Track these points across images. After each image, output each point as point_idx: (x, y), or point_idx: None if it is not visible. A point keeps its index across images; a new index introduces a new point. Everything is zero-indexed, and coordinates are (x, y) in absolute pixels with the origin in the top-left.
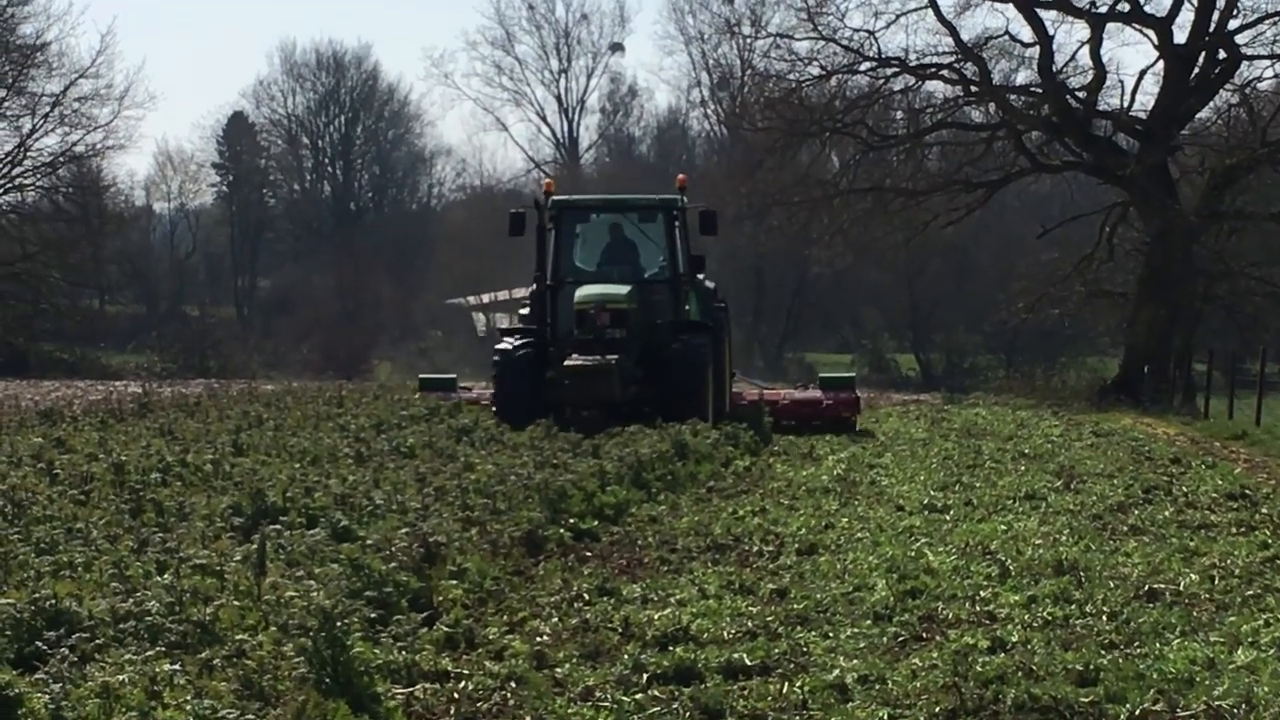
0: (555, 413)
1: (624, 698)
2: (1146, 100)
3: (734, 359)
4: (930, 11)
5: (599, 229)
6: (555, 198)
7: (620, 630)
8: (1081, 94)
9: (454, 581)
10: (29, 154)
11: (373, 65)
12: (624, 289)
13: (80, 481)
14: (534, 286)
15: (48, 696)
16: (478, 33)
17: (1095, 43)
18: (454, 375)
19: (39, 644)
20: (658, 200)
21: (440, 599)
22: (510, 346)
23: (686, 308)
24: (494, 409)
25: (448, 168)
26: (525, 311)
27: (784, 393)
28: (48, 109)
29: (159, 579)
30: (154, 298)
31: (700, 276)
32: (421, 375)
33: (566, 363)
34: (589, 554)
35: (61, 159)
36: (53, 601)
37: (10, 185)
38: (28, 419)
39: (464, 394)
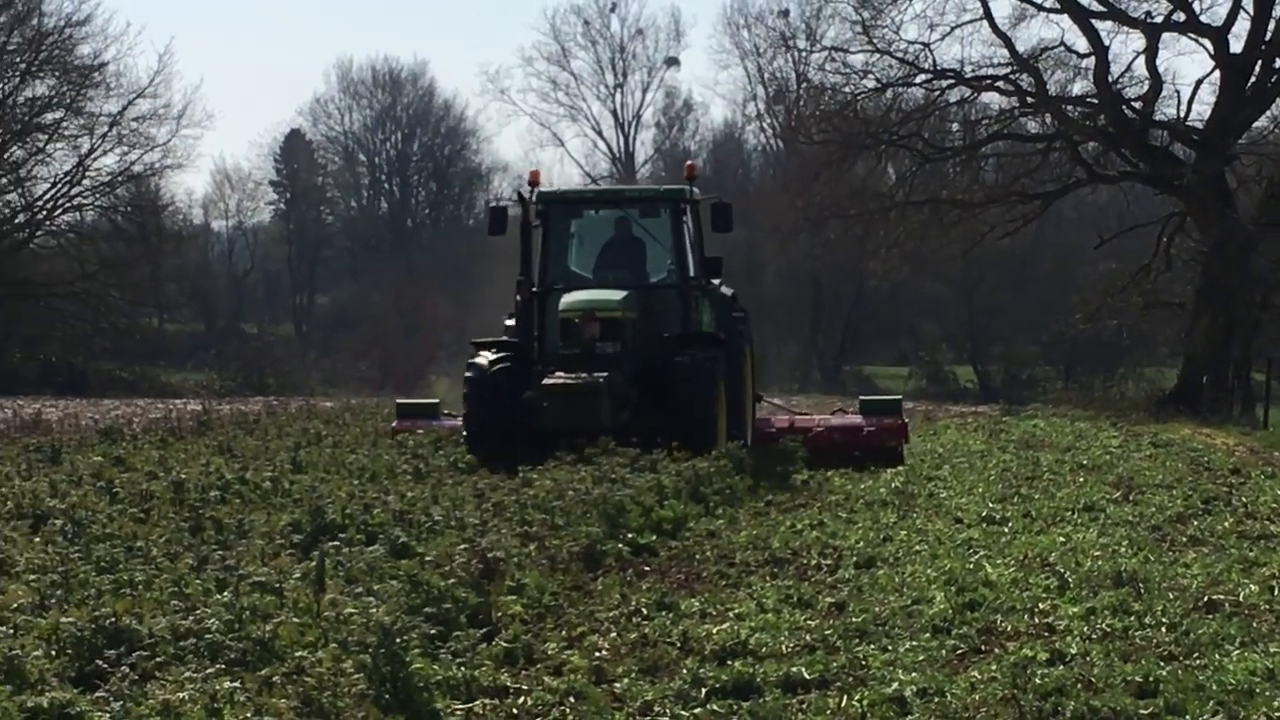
0: (534, 441)
1: (683, 712)
2: (1203, 110)
3: (781, 375)
4: (985, 23)
5: (598, 227)
6: (542, 190)
7: (679, 645)
8: (1137, 104)
9: (513, 597)
10: (87, 174)
11: (429, 82)
12: (617, 295)
13: (140, 500)
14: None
15: (109, 715)
16: (533, 48)
17: (1151, 53)
18: (437, 400)
19: (100, 662)
20: (661, 191)
21: (499, 615)
22: (485, 362)
23: (699, 318)
24: (463, 435)
25: (504, 183)
26: (510, 322)
27: (818, 419)
28: (106, 129)
29: (218, 596)
30: (212, 316)
31: (716, 282)
32: (400, 400)
33: (546, 381)
34: (647, 569)
35: (120, 178)
36: (113, 620)
37: (69, 205)
38: (88, 438)
39: (448, 421)
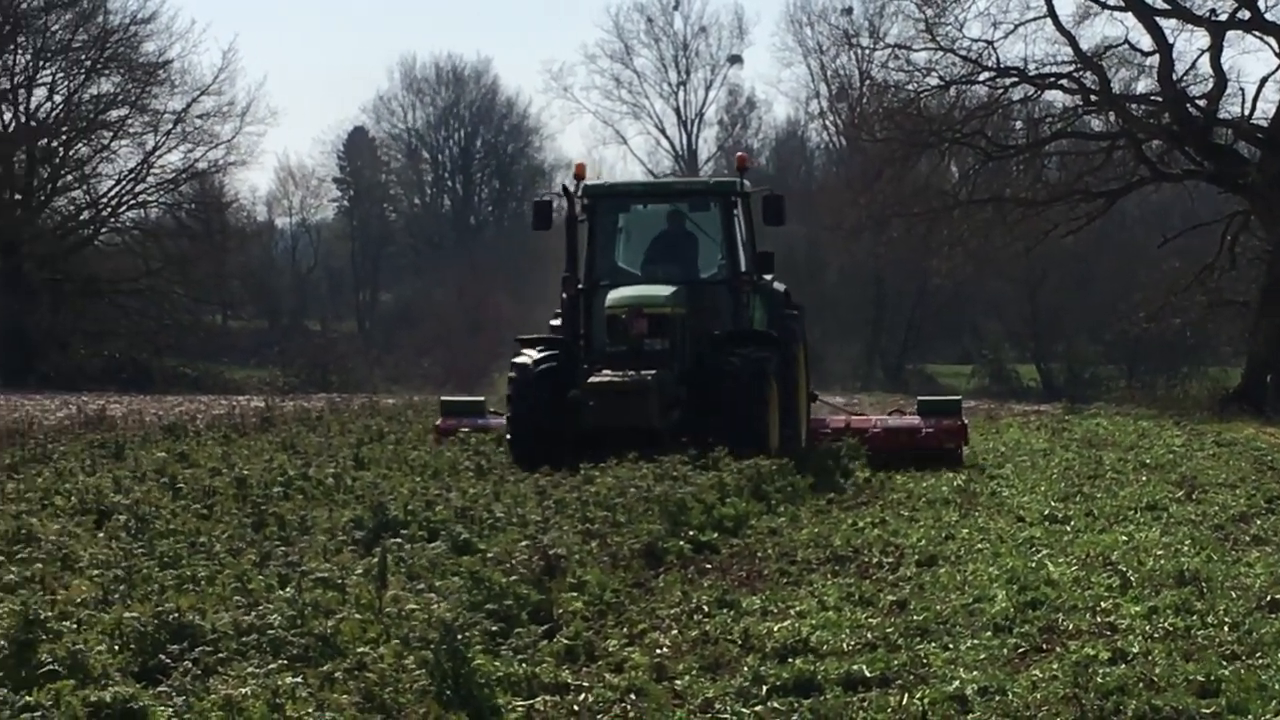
0: (580, 442)
1: (744, 710)
2: (1268, 108)
3: (843, 373)
4: (1049, 21)
5: (648, 221)
6: (588, 183)
7: (740, 642)
8: (1202, 102)
9: (574, 594)
10: (152, 171)
11: (492, 79)
12: (666, 290)
13: (203, 496)
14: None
15: (171, 709)
16: (596, 46)
17: (1215, 51)
18: (482, 398)
19: (163, 657)
20: (712, 184)
21: (560, 611)
22: (529, 360)
23: (751, 315)
24: (507, 437)
25: (568, 181)
26: (557, 321)
27: (874, 420)
28: (170, 126)
29: (281, 592)
30: (276, 312)
31: (769, 278)
32: (445, 398)
33: (592, 379)
34: (709, 566)
35: (184, 175)
36: (176, 615)
37: (134, 202)
38: (152, 434)
39: (494, 420)
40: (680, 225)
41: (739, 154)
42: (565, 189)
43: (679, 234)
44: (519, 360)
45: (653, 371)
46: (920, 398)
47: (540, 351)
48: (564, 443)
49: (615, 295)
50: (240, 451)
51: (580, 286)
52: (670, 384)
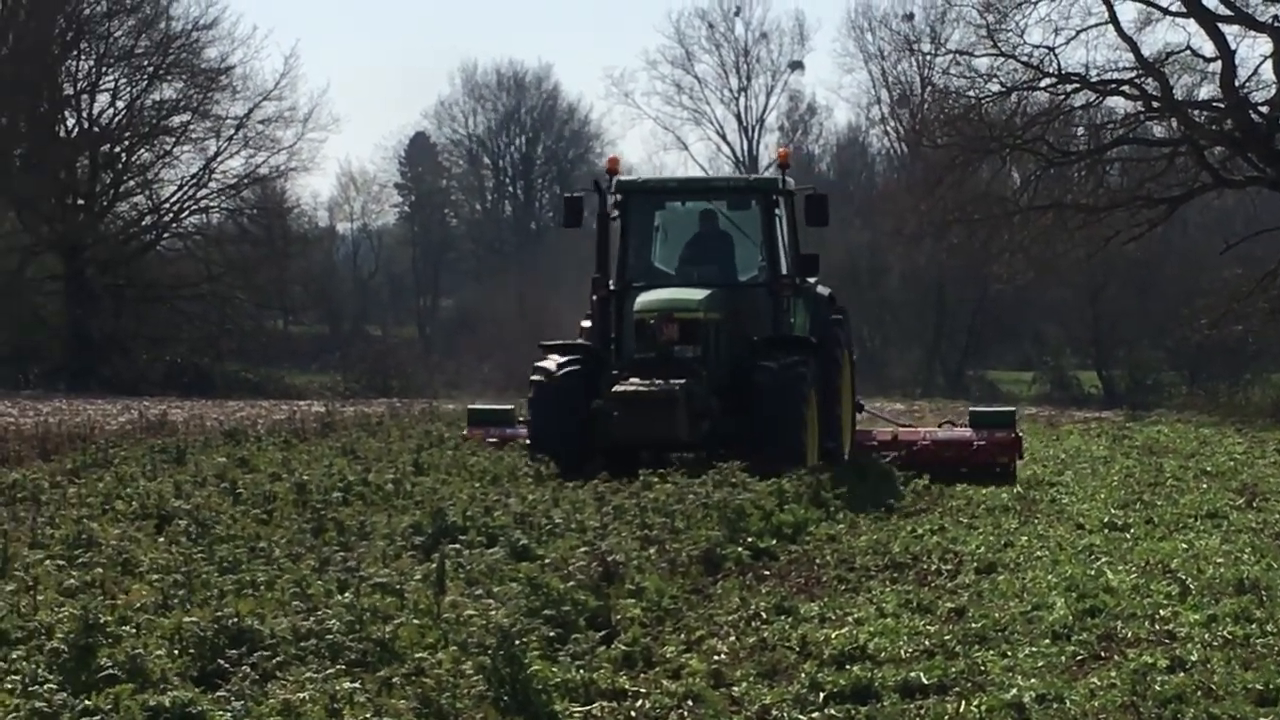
0: (607, 454)
1: (800, 716)
2: None
3: (904, 379)
4: (1110, 28)
5: (685, 220)
6: (621, 179)
7: (797, 649)
8: (1264, 108)
9: (632, 600)
10: (214, 176)
11: (553, 85)
12: (699, 294)
13: (263, 501)
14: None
15: (230, 714)
16: (658, 52)
17: (1278, 57)
18: (511, 406)
19: (221, 662)
20: (752, 181)
21: (618, 617)
22: (553, 367)
23: (792, 319)
24: (528, 448)
25: (601, 177)
26: (587, 324)
27: (924, 432)
28: (232, 132)
29: (340, 598)
30: (337, 318)
31: (812, 281)
32: (471, 406)
33: (617, 388)
34: (767, 573)
35: (246, 181)
36: (235, 620)
37: (195, 207)
38: (212, 439)
39: (524, 429)
40: (718, 225)
41: (780, 149)
42: (597, 184)
43: (717, 234)
44: (542, 365)
45: (682, 380)
46: (972, 409)
47: (564, 357)
48: (589, 455)
49: (645, 299)
50: (300, 457)
51: (612, 288)
52: (701, 394)
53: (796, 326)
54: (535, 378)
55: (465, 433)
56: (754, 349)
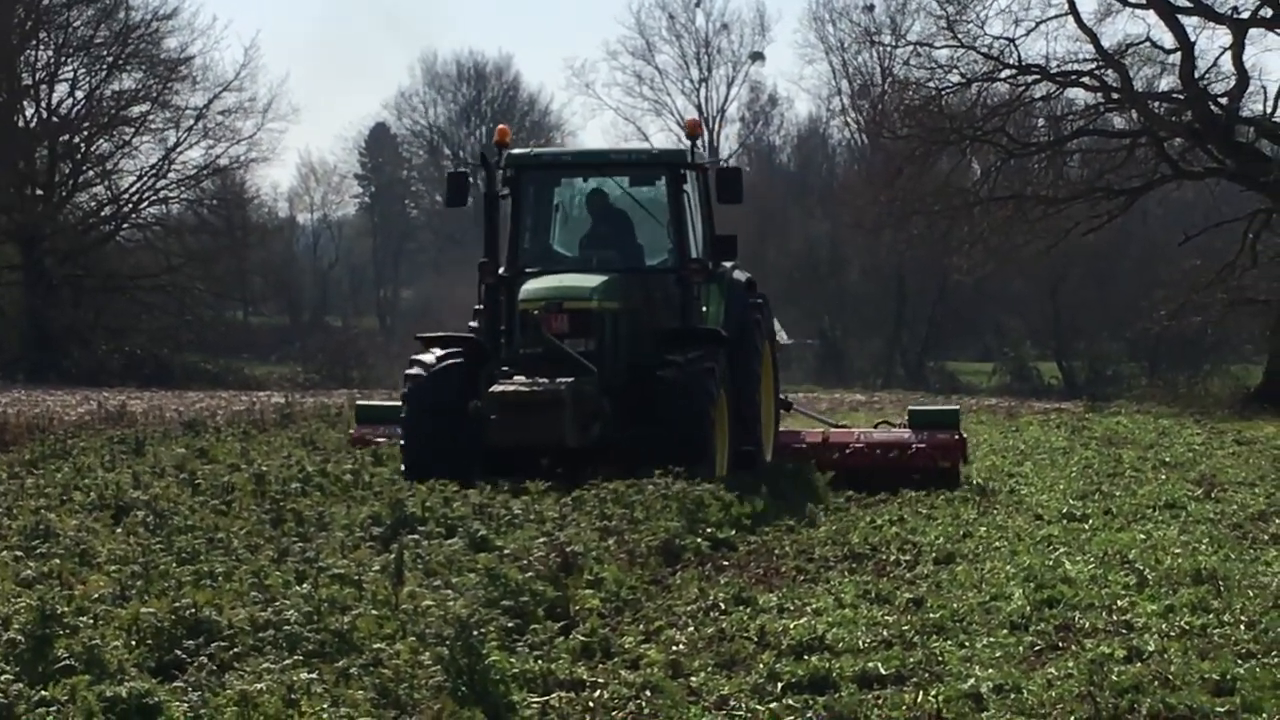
0: (489, 460)
1: (759, 707)
2: None
3: (864, 370)
4: (1071, 19)
5: (585, 199)
6: (511, 152)
7: (756, 639)
8: (1223, 100)
9: (590, 591)
10: (173, 167)
11: (514, 76)
12: (593, 281)
13: (222, 492)
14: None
15: (187, 705)
16: (618, 43)
17: (1237, 49)
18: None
19: (179, 653)
20: (657, 153)
21: (577, 608)
22: (431, 360)
23: (704, 308)
24: (402, 453)
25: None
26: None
27: (858, 433)
28: (192, 122)
29: (298, 588)
30: (297, 309)
31: (729, 265)
32: (360, 402)
33: (495, 388)
34: (726, 563)
35: (205, 172)
36: (193, 610)
37: (155, 198)
38: (171, 429)
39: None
40: (621, 203)
41: (689, 120)
42: (484, 158)
43: (620, 214)
44: (417, 359)
45: (570, 379)
46: (911, 407)
47: (444, 350)
48: (467, 459)
49: (530, 286)
50: (259, 447)
51: (502, 274)
52: (590, 394)
53: (709, 316)
54: (409, 371)
55: (352, 431)
56: (658, 343)
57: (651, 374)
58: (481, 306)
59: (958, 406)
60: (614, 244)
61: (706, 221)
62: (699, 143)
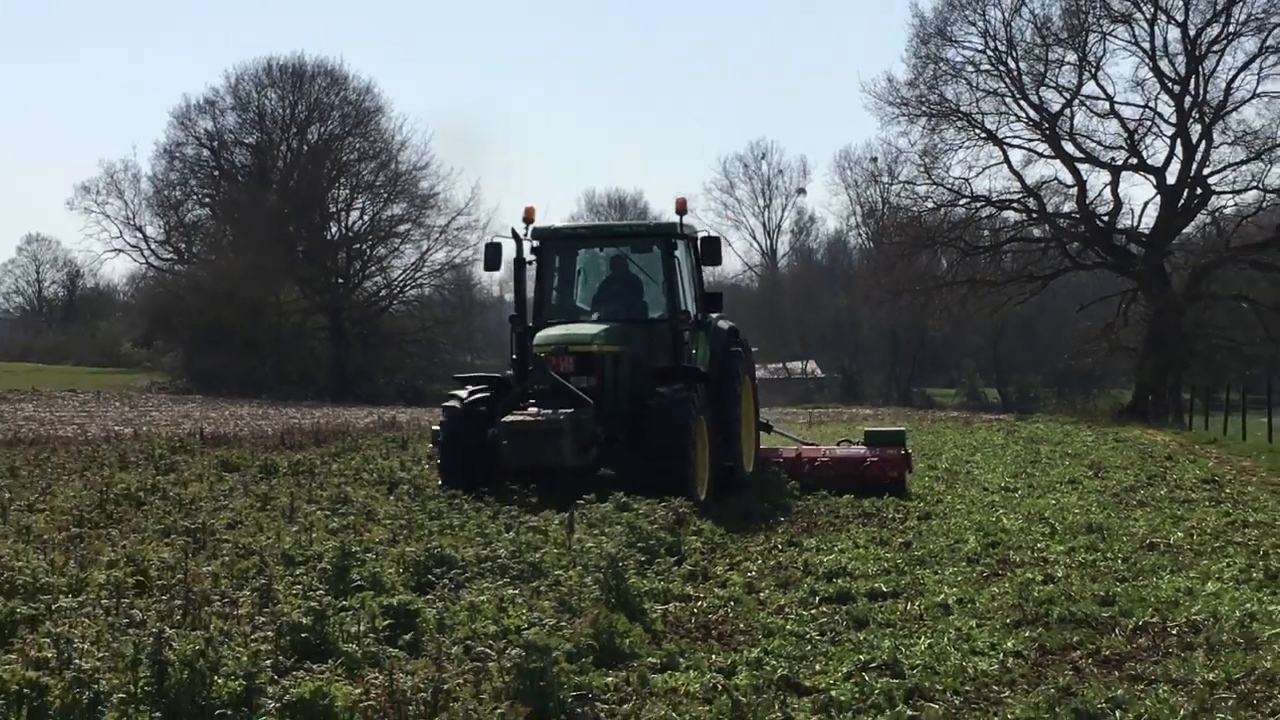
0: (506, 478)
1: (804, 612)
2: (1149, 221)
3: (872, 394)
4: (1005, 166)
5: (600, 264)
6: (536, 226)
7: (801, 568)
8: (1105, 218)
9: (694, 536)
10: (425, 264)
11: (644, 204)
12: (594, 329)
13: None
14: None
15: (434, 610)
16: (710, 182)
17: (1114, 184)
18: None
19: (430, 576)
20: (652, 226)
21: (685, 548)
22: (463, 395)
23: (694, 351)
24: (439, 473)
25: (518, 224)
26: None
27: (824, 449)
28: (437, 235)
29: (506, 535)
30: (505, 356)
31: (715, 316)
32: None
33: (506, 418)
34: (782, 520)
35: (446, 268)
36: (439, 549)
37: (413, 284)
38: (425, 432)
39: None
40: (627, 267)
41: (678, 198)
42: (514, 231)
43: (627, 275)
44: (452, 395)
45: (569, 410)
46: (867, 429)
47: (474, 388)
48: (490, 475)
49: (543, 334)
50: None
51: (530, 325)
52: (588, 422)
53: (699, 357)
54: (446, 404)
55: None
56: (649, 379)
57: (643, 403)
58: (514, 354)
59: (905, 428)
60: (620, 300)
61: (696, 281)
62: (685, 218)
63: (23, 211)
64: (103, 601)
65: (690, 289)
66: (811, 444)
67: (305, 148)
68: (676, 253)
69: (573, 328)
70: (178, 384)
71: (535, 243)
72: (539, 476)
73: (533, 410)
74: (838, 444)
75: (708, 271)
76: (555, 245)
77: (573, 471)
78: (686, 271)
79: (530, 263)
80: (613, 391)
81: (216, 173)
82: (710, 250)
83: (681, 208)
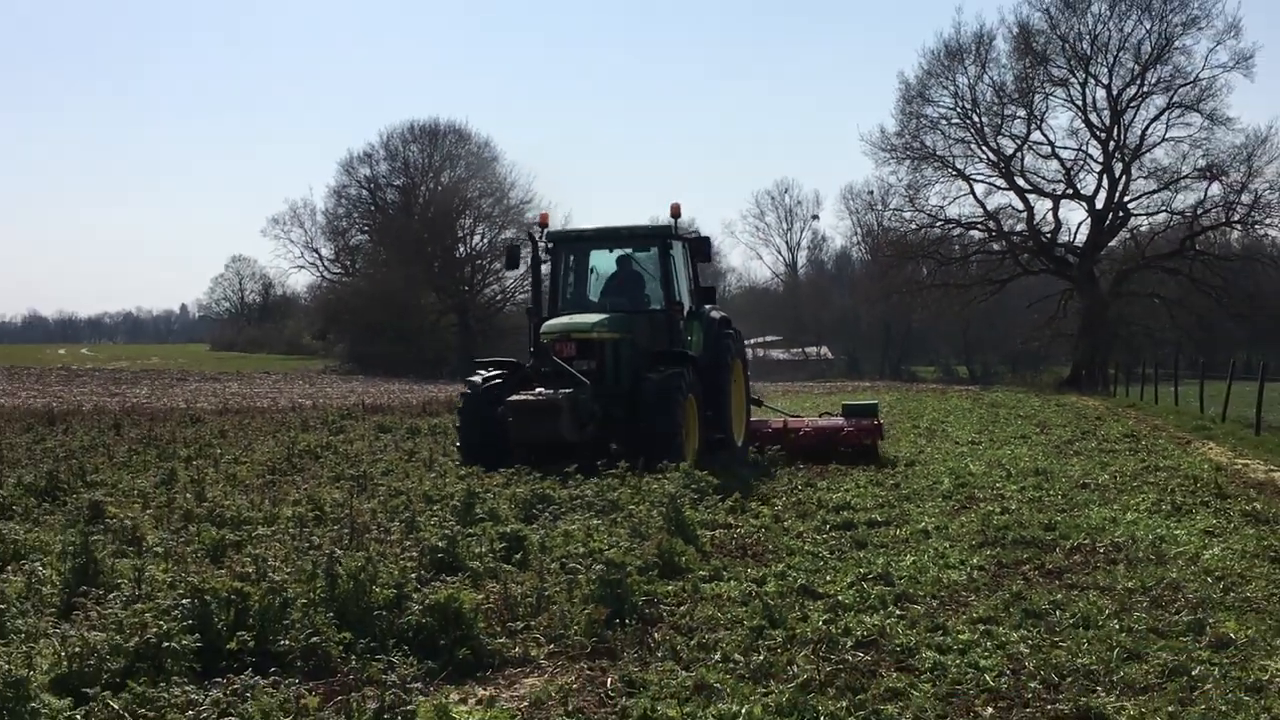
0: (515, 452)
1: (818, 537)
2: (1082, 237)
3: (870, 373)
4: (971, 196)
5: (611, 262)
6: (550, 230)
7: (816, 503)
8: (1048, 235)
9: (736, 481)
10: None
11: (696, 226)
12: (594, 318)
13: None
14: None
15: (537, 536)
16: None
17: (1055, 209)
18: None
19: (534, 510)
20: (650, 228)
21: (728, 489)
22: (480, 379)
23: (689, 338)
24: (456, 445)
25: (730, 278)
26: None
27: (806, 420)
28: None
29: (592, 480)
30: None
31: (708, 307)
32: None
33: (511, 397)
34: (802, 467)
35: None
36: (541, 489)
37: (523, 290)
38: None
39: None
40: (630, 264)
41: (672, 204)
42: (530, 235)
43: (630, 271)
44: (471, 378)
45: (568, 390)
46: (845, 403)
47: (491, 371)
48: (504, 450)
49: (549, 323)
50: None
51: (544, 316)
52: (585, 401)
53: (693, 344)
54: (463, 388)
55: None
56: (646, 362)
57: (636, 385)
58: (531, 342)
59: (877, 401)
60: (624, 293)
61: (691, 275)
62: (679, 221)
63: (229, 237)
64: (289, 530)
65: (685, 283)
66: (796, 415)
67: (439, 188)
68: (672, 251)
69: (576, 317)
70: (345, 367)
71: (549, 244)
72: (547, 452)
73: (537, 390)
74: (819, 415)
75: (707, 269)
76: (566, 246)
77: (571, 446)
78: (682, 267)
79: (545, 261)
80: (612, 373)
81: (373, 208)
82: (700, 248)
83: (676, 212)
